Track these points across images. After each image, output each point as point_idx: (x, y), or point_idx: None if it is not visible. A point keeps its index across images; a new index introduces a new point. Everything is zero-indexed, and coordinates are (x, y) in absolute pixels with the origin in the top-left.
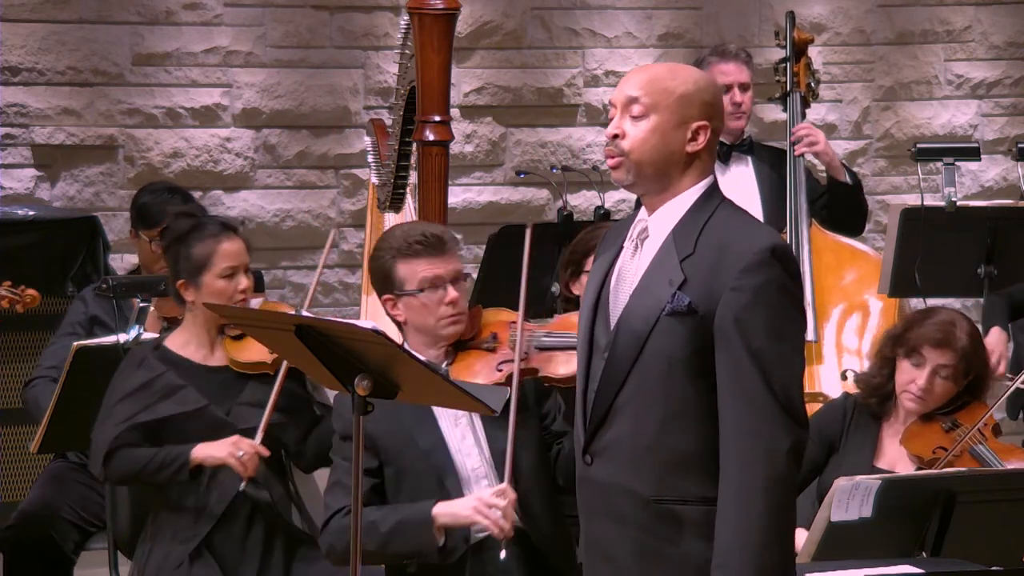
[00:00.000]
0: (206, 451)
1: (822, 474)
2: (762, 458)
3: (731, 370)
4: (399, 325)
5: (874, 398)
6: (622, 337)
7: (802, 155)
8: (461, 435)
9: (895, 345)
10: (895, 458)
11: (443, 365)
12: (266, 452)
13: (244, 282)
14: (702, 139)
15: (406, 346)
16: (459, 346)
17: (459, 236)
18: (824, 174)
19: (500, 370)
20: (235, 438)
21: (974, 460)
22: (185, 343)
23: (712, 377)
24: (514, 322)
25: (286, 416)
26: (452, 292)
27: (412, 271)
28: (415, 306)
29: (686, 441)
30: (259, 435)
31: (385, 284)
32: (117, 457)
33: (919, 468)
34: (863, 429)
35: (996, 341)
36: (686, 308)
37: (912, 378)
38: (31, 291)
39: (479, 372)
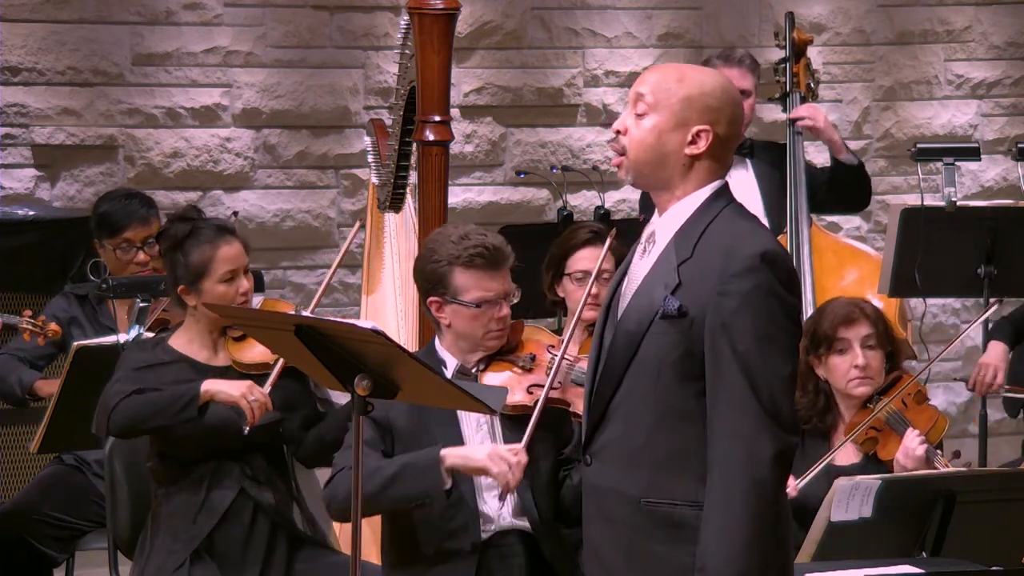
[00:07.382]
0: (219, 386)
1: None
2: (744, 462)
3: (717, 373)
4: (438, 325)
5: (814, 417)
6: (618, 339)
7: (802, 132)
8: (480, 441)
9: (814, 350)
10: (849, 455)
11: (473, 371)
12: (270, 407)
13: (244, 284)
14: (703, 143)
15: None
16: (492, 355)
17: None
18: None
19: (530, 392)
20: (249, 382)
21: (891, 429)
22: (188, 342)
23: (703, 381)
24: (553, 345)
25: (285, 412)
26: (504, 310)
27: (470, 282)
28: (465, 315)
29: (676, 444)
30: (268, 386)
31: (435, 287)
32: (120, 407)
33: (864, 455)
34: (815, 442)
35: (994, 355)
36: (676, 312)
37: (848, 364)
38: (53, 326)
39: (509, 387)
